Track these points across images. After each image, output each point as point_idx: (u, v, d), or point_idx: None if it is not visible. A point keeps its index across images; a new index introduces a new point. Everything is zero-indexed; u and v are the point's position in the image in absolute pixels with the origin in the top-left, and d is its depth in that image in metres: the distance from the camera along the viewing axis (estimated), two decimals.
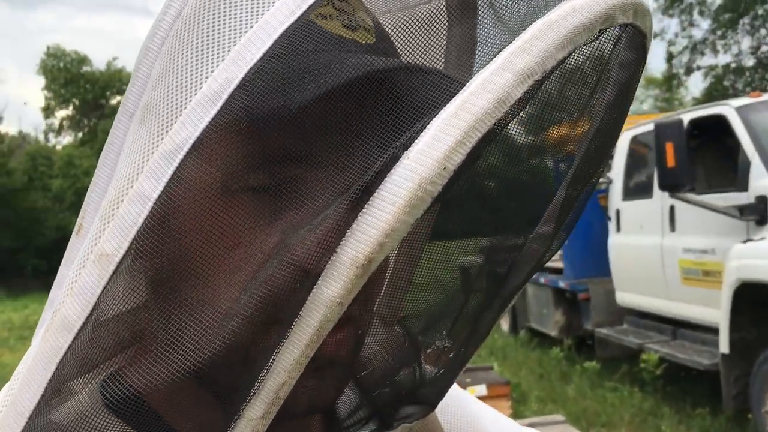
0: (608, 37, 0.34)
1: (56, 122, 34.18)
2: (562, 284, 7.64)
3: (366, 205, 0.30)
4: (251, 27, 0.33)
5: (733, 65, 22.15)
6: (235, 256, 0.34)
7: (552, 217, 0.42)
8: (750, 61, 21.88)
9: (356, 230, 0.29)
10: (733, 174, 5.02)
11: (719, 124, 5.22)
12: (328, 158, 0.33)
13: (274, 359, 0.32)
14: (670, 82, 24.66)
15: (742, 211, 4.69)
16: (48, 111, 33.32)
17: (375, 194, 0.29)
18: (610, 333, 6.79)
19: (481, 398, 4.86)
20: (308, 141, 0.34)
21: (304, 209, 0.33)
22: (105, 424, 0.35)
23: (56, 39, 73.26)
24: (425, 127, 0.29)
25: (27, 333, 13.67)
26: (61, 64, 31.71)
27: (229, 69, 0.32)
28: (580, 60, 0.33)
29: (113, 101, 32.84)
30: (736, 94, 19.34)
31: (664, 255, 5.79)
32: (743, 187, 4.82)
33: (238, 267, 0.34)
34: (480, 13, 0.37)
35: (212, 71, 0.33)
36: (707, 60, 22.80)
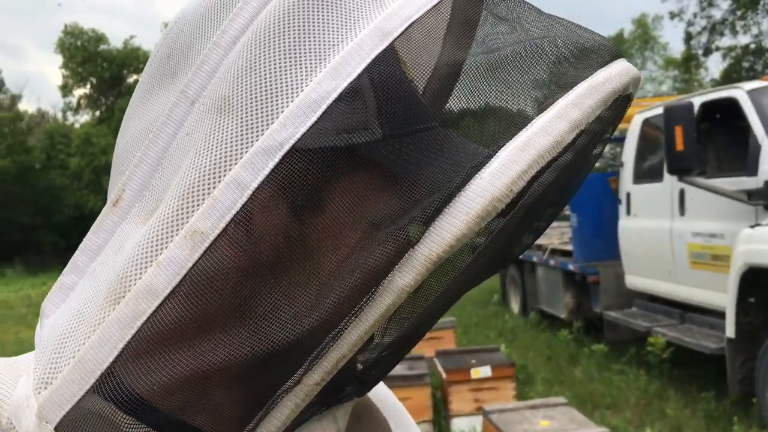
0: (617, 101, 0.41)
1: (74, 100, 34.48)
2: (572, 267, 7.64)
3: (442, 213, 0.35)
4: (348, 39, 0.37)
5: (753, 46, 21.79)
6: (324, 246, 0.39)
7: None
8: None
9: (432, 232, 0.35)
10: (744, 158, 4.98)
11: (731, 107, 5.17)
12: (413, 172, 0.39)
13: (339, 334, 0.36)
14: (689, 63, 24.32)
15: (750, 195, 4.66)
16: (66, 89, 33.53)
17: (450, 204, 0.35)
18: (619, 316, 6.80)
19: (485, 379, 4.91)
20: (401, 158, 0.39)
21: (391, 211, 0.38)
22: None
23: (74, 17, 73.38)
24: (491, 156, 0.35)
25: None
26: (79, 43, 31.83)
27: (329, 81, 0.36)
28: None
29: (130, 80, 32.94)
30: (755, 76, 19.01)
31: (673, 239, 5.78)
32: (753, 171, 4.79)
33: (327, 255, 0.39)
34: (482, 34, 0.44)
35: (308, 78, 0.36)
36: (726, 41, 22.40)
